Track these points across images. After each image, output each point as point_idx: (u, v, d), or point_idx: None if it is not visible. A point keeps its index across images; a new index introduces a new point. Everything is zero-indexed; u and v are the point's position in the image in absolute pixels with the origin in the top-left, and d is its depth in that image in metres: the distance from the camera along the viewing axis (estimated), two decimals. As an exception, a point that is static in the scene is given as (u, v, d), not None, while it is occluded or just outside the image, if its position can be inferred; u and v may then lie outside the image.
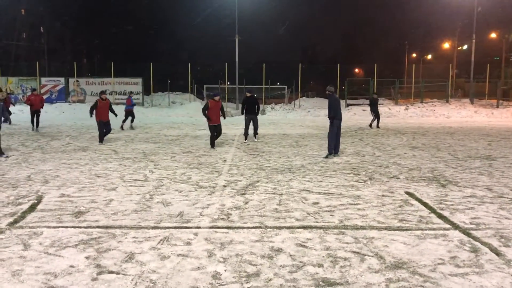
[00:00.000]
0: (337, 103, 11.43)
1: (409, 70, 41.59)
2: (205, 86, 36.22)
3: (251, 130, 15.05)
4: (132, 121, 19.52)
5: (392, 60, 54.89)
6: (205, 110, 12.96)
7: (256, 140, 14.85)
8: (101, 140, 14.18)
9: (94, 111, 14.04)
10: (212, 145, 13.13)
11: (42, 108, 18.78)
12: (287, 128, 21.21)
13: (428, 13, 52.34)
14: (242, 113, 15.53)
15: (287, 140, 14.61)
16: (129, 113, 19.17)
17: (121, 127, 18.83)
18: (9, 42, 44.84)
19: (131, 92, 22.48)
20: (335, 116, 11.31)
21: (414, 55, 62.01)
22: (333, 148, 11.41)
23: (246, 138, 15.00)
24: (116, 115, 14.64)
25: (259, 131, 15.58)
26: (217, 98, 13.06)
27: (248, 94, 15.19)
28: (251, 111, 14.78)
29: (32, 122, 18.45)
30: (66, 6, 48.31)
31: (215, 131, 13.16)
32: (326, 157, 11.25)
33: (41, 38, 50.18)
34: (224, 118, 13.79)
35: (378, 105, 21.27)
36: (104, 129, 14.20)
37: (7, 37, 44.34)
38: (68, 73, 34.29)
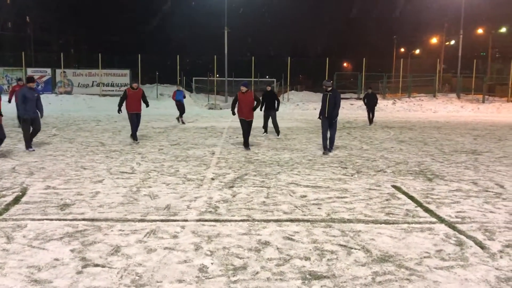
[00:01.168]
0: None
1: (397, 65, 41.79)
2: (193, 78, 36.02)
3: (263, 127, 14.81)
4: (180, 114, 18.77)
5: (380, 54, 55.08)
6: (234, 105, 11.52)
7: (279, 137, 14.09)
8: (134, 136, 12.45)
9: (124, 103, 12.20)
10: (246, 144, 11.54)
11: None
12: (281, 122, 21.15)
13: (416, 8, 52.62)
14: (261, 110, 14.04)
15: (276, 133, 14.59)
16: (179, 106, 18.51)
17: (181, 121, 18.59)
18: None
19: (178, 85, 20.64)
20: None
21: (402, 49, 62.31)
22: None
23: (266, 131, 14.66)
24: (148, 105, 12.75)
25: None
26: (243, 89, 11.28)
27: (268, 88, 14.40)
28: (269, 107, 14.05)
29: (19, 117, 16.95)
30: (52, -4, 47.61)
31: (248, 127, 11.51)
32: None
33: (27, 28, 49.40)
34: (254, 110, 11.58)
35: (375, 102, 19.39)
36: (136, 123, 12.42)
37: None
38: (55, 64, 33.79)
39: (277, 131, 14.24)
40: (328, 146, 10.95)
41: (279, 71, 35.30)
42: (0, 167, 8.58)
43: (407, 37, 61.34)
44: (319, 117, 11.06)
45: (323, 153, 10.79)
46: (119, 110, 12.29)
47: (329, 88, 10.74)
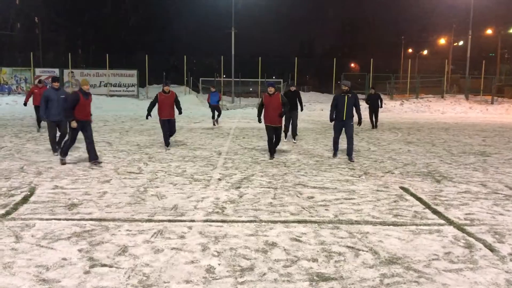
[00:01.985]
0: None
1: (405, 66, 41.61)
2: (200, 79, 36.09)
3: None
4: (218, 115, 18.12)
5: (388, 55, 54.89)
6: (260, 111, 10.32)
7: (295, 142, 12.96)
8: (166, 143, 11.37)
9: (156, 107, 11.15)
10: (271, 152, 10.25)
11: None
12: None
13: (424, 9, 52.35)
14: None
15: (292, 137, 14.53)
16: (214, 108, 17.96)
17: (216, 123, 18.06)
18: (3, 32, 44.44)
19: (213, 86, 19.22)
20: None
21: (410, 50, 62.03)
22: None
23: (285, 137, 13.17)
24: (181, 111, 11.57)
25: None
26: (271, 90, 9.94)
27: (293, 89, 13.17)
28: (292, 107, 12.44)
29: (38, 121, 14.59)
30: (61, -3, 47.91)
31: (274, 134, 10.16)
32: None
33: (35, 29, 49.75)
34: (282, 115, 10.09)
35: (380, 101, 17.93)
36: (168, 129, 11.28)
37: (1, 27, 43.92)
38: (63, 64, 34.01)
39: (294, 134, 13.25)
40: (347, 154, 10.03)
41: (286, 71, 35.29)
42: (8, 167, 8.63)
43: (415, 38, 61.09)
44: (331, 121, 10.16)
45: (333, 156, 10.38)
46: (148, 115, 11.25)
47: (348, 90, 9.82)
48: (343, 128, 9.97)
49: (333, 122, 10.20)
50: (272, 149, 10.24)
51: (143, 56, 32.39)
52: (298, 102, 13.10)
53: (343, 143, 10.48)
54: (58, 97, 9.73)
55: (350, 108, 9.76)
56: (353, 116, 9.84)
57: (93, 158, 8.97)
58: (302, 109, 13.66)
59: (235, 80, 33.70)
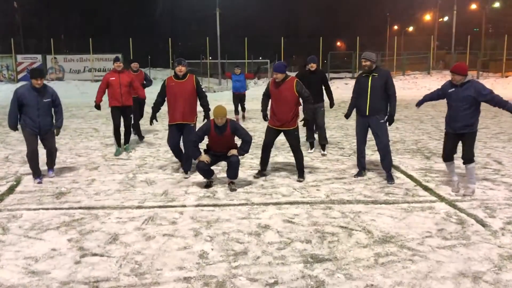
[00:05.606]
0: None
1: (391, 43, 41.52)
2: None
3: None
4: (243, 108, 13.33)
5: (374, 33, 54.68)
6: (265, 104, 6.85)
7: (325, 153, 8.39)
8: (186, 168, 6.96)
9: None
10: (262, 165, 6.91)
11: None
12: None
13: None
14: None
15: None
16: (240, 99, 13.15)
17: (243, 116, 13.53)
18: (-19, 18, 43.29)
19: (238, 66, 13.71)
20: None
21: (395, 27, 61.86)
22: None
23: (311, 146, 8.65)
24: (208, 110, 7.06)
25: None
26: (278, 76, 6.37)
27: (313, 67, 8.09)
28: (314, 98, 7.12)
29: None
30: (39, -20, 46.69)
31: (270, 140, 6.76)
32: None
33: (15, 13, 48.49)
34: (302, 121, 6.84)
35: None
36: (179, 142, 7.01)
37: (-22, 14, 42.79)
38: (45, 50, 33.28)
39: (324, 142, 8.39)
40: (383, 167, 6.56)
41: (273, 51, 34.98)
42: (-7, 157, 8.45)
43: (400, 15, 60.86)
44: (347, 116, 6.99)
45: (356, 175, 6.76)
46: (153, 120, 7.28)
47: (373, 66, 6.37)
48: (369, 128, 6.62)
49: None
50: (265, 163, 6.89)
51: (127, 39, 31.81)
52: (324, 89, 8.23)
53: (336, 126, 10.33)
54: (39, 100, 6.36)
55: (377, 95, 6.30)
56: (383, 108, 6.38)
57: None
58: (332, 103, 8.40)
59: (221, 61, 33.35)
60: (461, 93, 5.70)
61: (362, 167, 6.80)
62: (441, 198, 5.64)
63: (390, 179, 6.41)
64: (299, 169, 6.68)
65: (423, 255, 4.00)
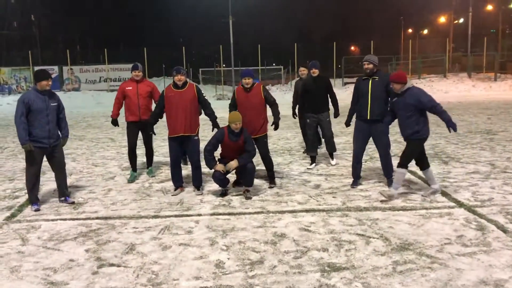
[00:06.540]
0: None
1: (406, 46, 41.21)
2: (200, 69, 35.88)
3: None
4: None
5: (388, 36, 54.44)
6: (231, 111, 6.47)
7: (333, 164, 8.04)
8: (197, 184, 6.63)
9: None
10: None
11: None
12: (285, 109, 21.00)
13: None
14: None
15: (285, 122, 14.45)
16: None
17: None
18: (0, 31, 44.27)
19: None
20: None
21: (410, 30, 61.46)
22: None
23: (312, 161, 7.96)
24: (214, 118, 6.81)
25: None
26: (247, 82, 6.41)
27: (315, 72, 7.69)
28: (311, 107, 7.67)
29: None
30: (56, -7, 47.66)
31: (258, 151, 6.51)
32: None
33: (32, 26, 49.52)
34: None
35: None
36: (182, 155, 7.17)
37: (-2, 27, 43.80)
38: (62, 61, 33.85)
39: (332, 150, 8.04)
40: (385, 175, 6.51)
41: (286, 58, 35.01)
42: (12, 168, 8.59)
43: (414, 18, 60.48)
44: (347, 124, 6.93)
45: (352, 185, 6.53)
46: (151, 131, 6.99)
47: (375, 70, 6.24)
48: (370, 135, 6.47)
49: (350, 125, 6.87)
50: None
51: (142, 49, 32.17)
52: (328, 97, 7.80)
53: (350, 131, 10.17)
54: (48, 105, 5.83)
55: (377, 99, 6.20)
56: (384, 113, 6.24)
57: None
58: (337, 113, 7.90)
59: (235, 69, 33.48)
60: (402, 102, 5.69)
61: (357, 175, 6.61)
62: (460, 204, 5.54)
63: (391, 184, 6.09)
64: (270, 176, 6.71)
65: (442, 262, 3.93)
